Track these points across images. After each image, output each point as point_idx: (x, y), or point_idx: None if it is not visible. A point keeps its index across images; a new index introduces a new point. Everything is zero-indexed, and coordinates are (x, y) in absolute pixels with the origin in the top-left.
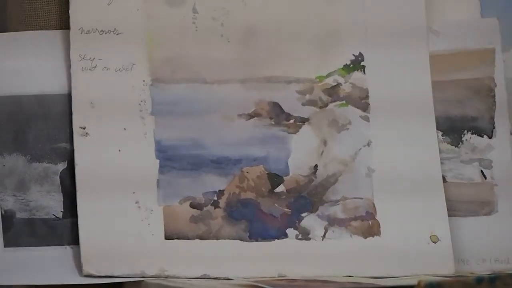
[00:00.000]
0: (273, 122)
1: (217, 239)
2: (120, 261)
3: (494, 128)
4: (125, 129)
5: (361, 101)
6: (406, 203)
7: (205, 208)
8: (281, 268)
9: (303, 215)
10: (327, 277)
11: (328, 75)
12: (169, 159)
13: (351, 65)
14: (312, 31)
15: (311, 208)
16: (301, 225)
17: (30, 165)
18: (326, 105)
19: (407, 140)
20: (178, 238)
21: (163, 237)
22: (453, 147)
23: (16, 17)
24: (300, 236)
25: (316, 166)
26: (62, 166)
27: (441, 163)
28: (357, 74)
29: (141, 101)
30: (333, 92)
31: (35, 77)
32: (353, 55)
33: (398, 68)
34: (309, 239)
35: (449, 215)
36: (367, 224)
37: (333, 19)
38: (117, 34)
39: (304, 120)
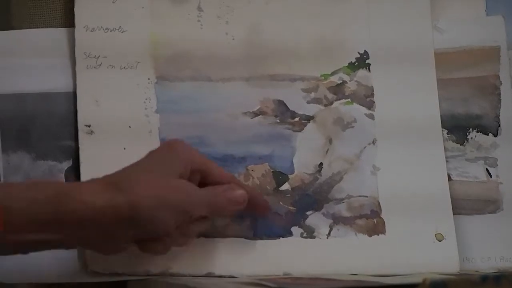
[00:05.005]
0: (278, 120)
1: (222, 237)
2: (124, 259)
3: (499, 126)
4: (130, 127)
5: (366, 99)
6: (411, 201)
7: None
8: (286, 266)
9: (308, 213)
10: (332, 275)
11: (333, 73)
12: None
13: (356, 63)
14: (317, 29)
15: (316, 206)
16: (306, 223)
17: (34, 163)
18: (331, 103)
19: (413, 138)
20: None
21: None
22: (458, 145)
23: (20, 15)
24: (305, 234)
25: (321, 164)
26: (67, 164)
27: (446, 161)
28: (362, 72)
29: (146, 99)
30: (338, 90)
31: (39, 75)
32: (358, 53)
33: (403, 65)
34: (314, 237)
35: (454, 213)
36: (372, 223)
37: (338, 17)
38: (122, 32)
39: (309, 118)
